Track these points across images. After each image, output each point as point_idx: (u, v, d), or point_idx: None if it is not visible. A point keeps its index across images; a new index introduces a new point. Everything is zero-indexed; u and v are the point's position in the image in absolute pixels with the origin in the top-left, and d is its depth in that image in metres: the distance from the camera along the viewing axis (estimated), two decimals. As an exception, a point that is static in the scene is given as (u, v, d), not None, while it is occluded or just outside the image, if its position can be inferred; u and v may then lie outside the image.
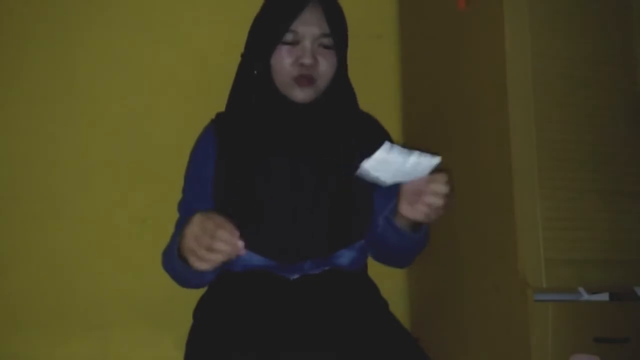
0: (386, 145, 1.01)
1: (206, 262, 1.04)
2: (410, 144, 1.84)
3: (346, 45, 1.33)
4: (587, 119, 1.46)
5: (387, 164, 1.03)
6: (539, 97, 1.41)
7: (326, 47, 1.28)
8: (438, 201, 1.09)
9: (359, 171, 1.04)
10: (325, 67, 1.28)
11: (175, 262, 1.16)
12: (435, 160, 1.04)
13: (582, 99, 1.46)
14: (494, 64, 1.45)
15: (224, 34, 1.76)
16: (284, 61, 1.27)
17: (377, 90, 1.83)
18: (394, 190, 1.18)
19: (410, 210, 1.12)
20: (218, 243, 1.02)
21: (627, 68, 1.52)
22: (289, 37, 1.26)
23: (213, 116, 1.39)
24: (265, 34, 1.28)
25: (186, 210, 1.32)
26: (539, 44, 1.43)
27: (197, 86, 1.76)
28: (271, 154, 1.28)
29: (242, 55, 1.34)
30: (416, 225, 1.21)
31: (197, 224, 1.05)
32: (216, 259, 1.04)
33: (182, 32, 1.79)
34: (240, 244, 1.02)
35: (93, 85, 1.71)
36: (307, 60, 1.25)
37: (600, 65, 1.49)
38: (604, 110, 1.48)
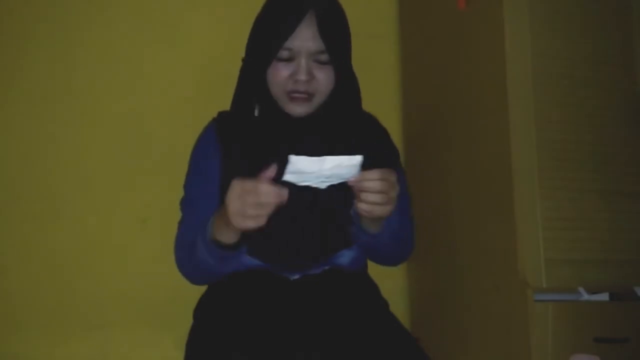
0: (292, 159, 1.04)
1: (255, 219, 1.06)
2: (411, 144, 1.85)
3: (347, 56, 1.31)
4: (587, 119, 1.46)
5: (305, 173, 1.06)
6: (539, 97, 1.41)
7: (323, 62, 1.26)
8: (372, 197, 1.10)
9: (284, 179, 1.07)
10: (322, 82, 1.27)
11: (203, 249, 1.17)
12: (354, 159, 1.06)
13: (582, 99, 1.46)
14: (494, 64, 1.45)
15: (224, 34, 1.77)
16: (279, 75, 1.25)
17: (377, 90, 1.83)
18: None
19: (358, 208, 1.13)
20: (263, 196, 1.05)
21: (627, 68, 1.52)
22: (284, 54, 1.24)
23: (213, 116, 1.38)
24: (260, 49, 1.28)
25: (190, 208, 1.31)
26: (539, 44, 1.43)
27: (197, 86, 1.76)
28: (271, 155, 1.28)
29: (243, 60, 1.34)
30: (376, 223, 1.20)
31: (237, 187, 1.07)
32: (264, 212, 1.06)
33: (182, 32, 1.79)
34: (284, 191, 1.04)
35: (93, 85, 1.71)
36: (302, 77, 1.24)
37: (600, 65, 1.49)
38: (604, 110, 1.48)
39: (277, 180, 1.07)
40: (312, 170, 1.05)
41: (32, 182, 1.65)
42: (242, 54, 1.34)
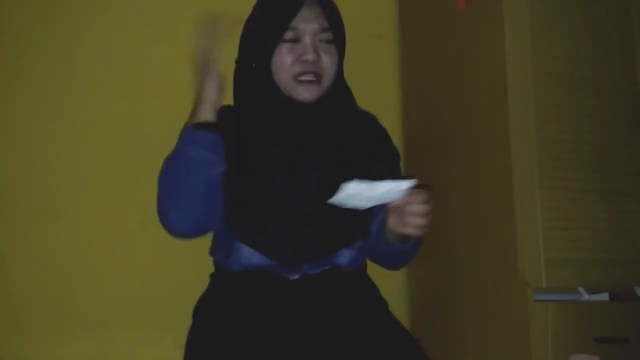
0: (345, 186, 1.06)
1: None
2: (411, 144, 1.85)
3: (345, 41, 1.32)
4: (587, 119, 1.46)
5: (356, 196, 1.07)
6: (539, 97, 1.41)
7: (327, 42, 1.28)
8: (418, 220, 1.13)
9: (332, 202, 1.09)
10: (328, 62, 1.28)
11: (178, 147, 1.20)
12: (405, 184, 1.07)
13: (582, 99, 1.46)
14: (494, 64, 1.45)
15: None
16: (285, 60, 1.26)
17: (377, 90, 1.83)
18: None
19: (397, 226, 1.16)
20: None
21: (627, 68, 1.52)
22: (289, 35, 1.26)
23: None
24: (264, 35, 1.28)
25: None
26: (539, 44, 1.43)
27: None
28: (274, 153, 1.28)
29: (237, 61, 1.33)
30: (404, 237, 1.22)
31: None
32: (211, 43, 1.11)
33: (182, 32, 1.79)
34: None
35: (93, 85, 1.71)
36: (310, 56, 1.25)
37: (600, 65, 1.49)
38: (604, 110, 1.48)
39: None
40: (365, 193, 1.06)
41: (32, 182, 1.65)
42: (243, 53, 1.34)
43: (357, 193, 1.06)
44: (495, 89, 1.44)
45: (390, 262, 1.37)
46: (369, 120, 1.41)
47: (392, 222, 1.16)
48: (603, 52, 1.50)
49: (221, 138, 1.20)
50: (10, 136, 1.66)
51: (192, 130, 1.18)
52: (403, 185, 1.07)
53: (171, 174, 1.22)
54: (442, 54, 1.70)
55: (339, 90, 1.32)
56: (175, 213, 1.22)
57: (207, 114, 1.19)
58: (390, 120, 1.63)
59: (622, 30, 1.53)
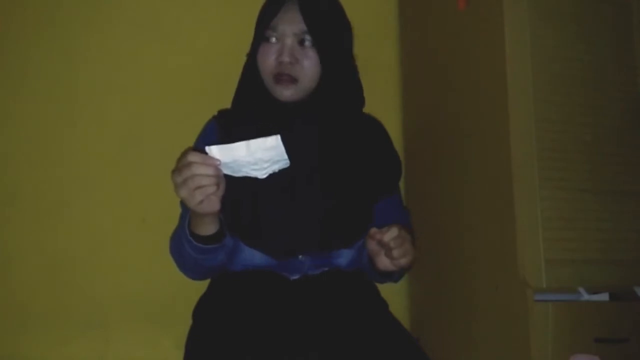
0: (206, 149, 1.02)
1: (207, 202, 1.04)
2: (410, 144, 1.85)
3: (335, 41, 1.31)
4: (587, 119, 1.46)
5: (229, 163, 1.03)
6: (539, 97, 1.41)
7: (307, 45, 1.28)
8: (396, 253, 1.15)
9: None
10: (306, 65, 1.28)
11: (186, 245, 1.17)
12: (272, 140, 1.02)
13: (582, 98, 1.46)
14: (494, 64, 1.45)
15: (226, 34, 1.77)
16: (266, 59, 1.29)
17: (377, 90, 1.83)
18: (395, 202, 1.34)
19: (380, 263, 1.20)
20: (194, 166, 1.01)
21: (627, 68, 1.52)
22: (270, 35, 1.28)
23: (214, 114, 1.39)
24: (254, 34, 1.31)
25: None
26: (539, 44, 1.43)
27: (197, 86, 1.76)
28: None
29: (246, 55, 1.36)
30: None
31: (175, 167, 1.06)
32: (207, 189, 1.03)
33: (183, 32, 1.80)
34: (215, 161, 1.01)
35: (93, 85, 1.72)
36: (285, 58, 1.27)
37: (600, 65, 1.49)
38: (604, 110, 1.48)
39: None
40: (233, 158, 1.02)
41: (32, 182, 1.65)
42: (243, 53, 1.34)
43: (224, 158, 1.01)
44: (495, 89, 1.44)
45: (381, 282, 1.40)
46: (366, 120, 1.41)
47: (382, 264, 1.20)
48: (603, 52, 1.50)
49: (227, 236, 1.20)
50: (12, 137, 1.66)
51: (196, 243, 1.16)
52: (268, 142, 1.01)
53: (180, 256, 1.25)
54: (442, 54, 1.70)
55: (328, 90, 1.31)
56: (190, 276, 1.32)
57: (211, 227, 1.15)
58: (390, 120, 1.63)
59: (622, 30, 1.53)
